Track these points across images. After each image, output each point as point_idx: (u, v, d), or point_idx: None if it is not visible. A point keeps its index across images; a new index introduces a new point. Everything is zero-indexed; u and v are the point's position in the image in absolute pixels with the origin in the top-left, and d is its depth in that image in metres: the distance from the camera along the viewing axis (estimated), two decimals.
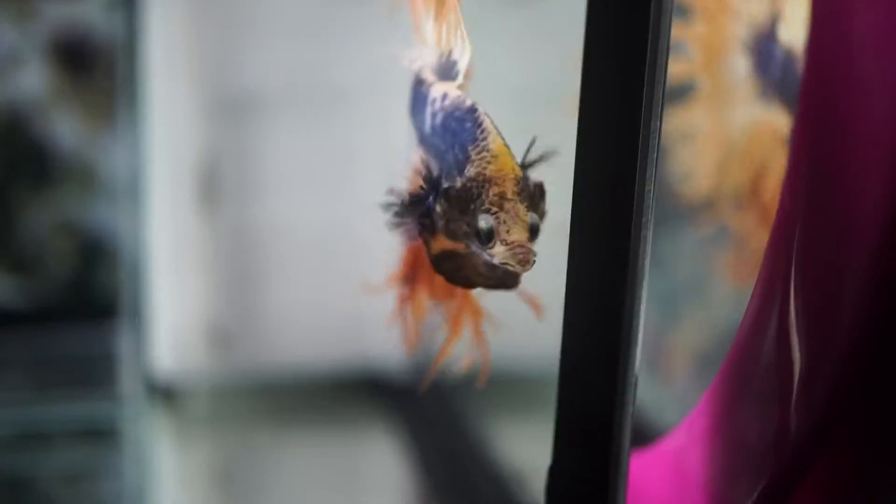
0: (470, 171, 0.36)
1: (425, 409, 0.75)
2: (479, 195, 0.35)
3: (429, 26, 0.37)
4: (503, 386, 0.74)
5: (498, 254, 0.34)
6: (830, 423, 0.35)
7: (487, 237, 0.35)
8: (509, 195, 0.35)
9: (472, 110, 0.36)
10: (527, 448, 0.67)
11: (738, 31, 0.50)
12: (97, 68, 0.79)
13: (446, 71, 0.38)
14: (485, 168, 0.35)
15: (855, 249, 0.33)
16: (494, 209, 0.35)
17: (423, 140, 0.38)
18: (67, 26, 0.78)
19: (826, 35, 0.32)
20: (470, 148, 0.36)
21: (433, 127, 0.37)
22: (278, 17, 0.71)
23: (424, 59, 0.38)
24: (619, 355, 0.36)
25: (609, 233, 0.35)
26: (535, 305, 0.39)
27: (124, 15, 0.72)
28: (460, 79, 0.37)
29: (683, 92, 0.52)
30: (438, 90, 0.37)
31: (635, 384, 0.37)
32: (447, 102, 0.37)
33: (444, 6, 0.37)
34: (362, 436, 0.75)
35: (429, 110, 0.37)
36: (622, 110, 0.34)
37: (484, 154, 0.36)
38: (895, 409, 0.34)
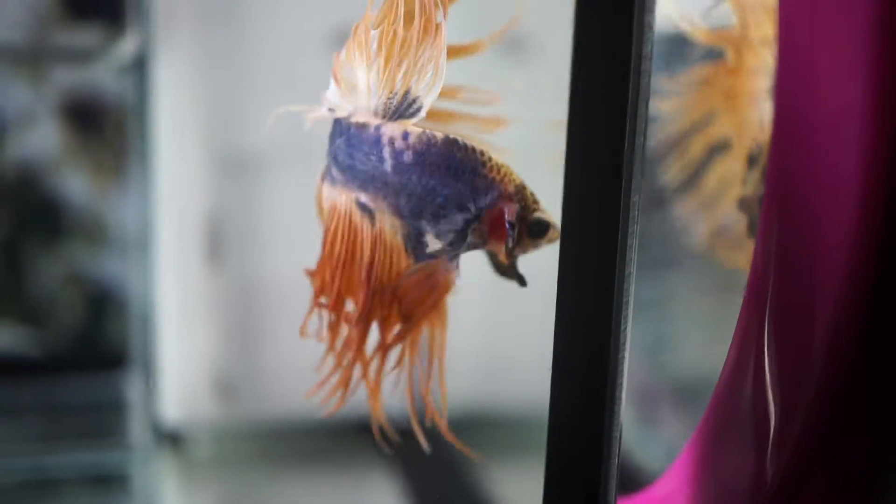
0: (500, 187, 0.39)
1: (423, 453, 0.77)
2: (525, 201, 0.40)
3: (363, 72, 0.40)
4: (498, 430, 0.76)
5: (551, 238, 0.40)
6: (806, 471, 0.36)
7: (545, 229, 0.40)
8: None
9: (453, 141, 0.39)
10: (521, 490, 0.68)
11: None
12: (107, 127, 0.82)
13: (400, 111, 0.39)
14: (512, 176, 0.39)
15: (823, 305, 0.35)
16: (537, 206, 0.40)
17: (376, 179, 0.40)
18: (79, 88, 0.81)
19: (790, 100, 0.34)
20: (483, 170, 0.39)
21: (397, 166, 0.40)
22: (281, 79, 0.73)
23: (357, 104, 0.40)
24: (605, 400, 0.38)
25: (595, 275, 0.37)
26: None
27: (134, 78, 0.74)
28: (422, 115, 0.39)
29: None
30: (393, 130, 0.39)
31: (621, 429, 0.39)
32: (412, 140, 0.39)
33: (399, 47, 0.39)
34: (362, 479, 0.76)
35: (386, 151, 0.40)
36: (606, 149, 0.37)
37: (502, 167, 0.39)
38: (867, 457, 0.36)
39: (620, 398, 0.39)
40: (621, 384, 0.39)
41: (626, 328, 0.38)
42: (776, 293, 0.37)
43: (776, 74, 0.35)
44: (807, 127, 0.34)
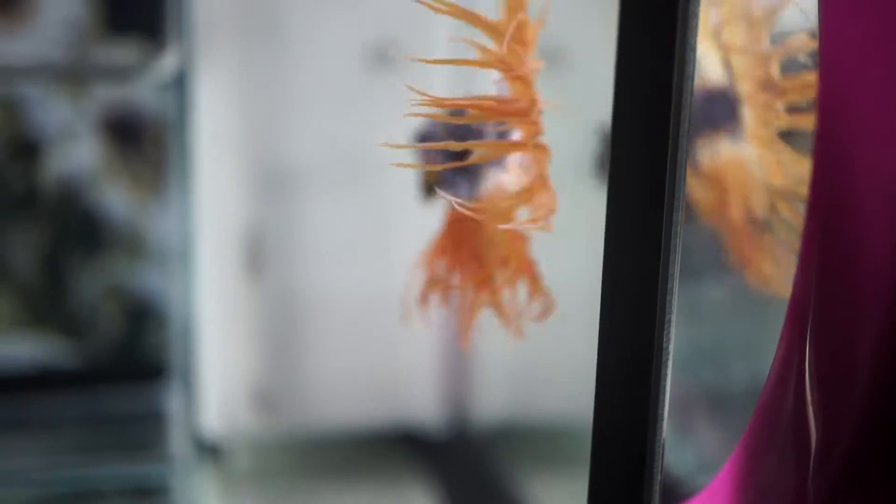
0: None
1: (461, 464, 0.77)
2: None
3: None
4: (539, 441, 0.76)
5: None
6: (846, 492, 0.36)
7: None
8: None
9: None
10: (560, 502, 0.68)
11: None
12: (147, 143, 0.83)
13: None
14: None
15: (863, 331, 0.35)
16: None
17: None
18: (120, 104, 0.82)
19: (832, 120, 0.34)
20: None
21: None
22: (317, 98, 0.74)
23: None
24: (648, 415, 0.38)
25: (638, 290, 0.38)
26: None
27: (175, 95, 0.75)
28: None
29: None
30: None
31: (664, 443, 0.39)
32: None
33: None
34: (400, 490, 0.76)
35: None
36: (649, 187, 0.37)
37: None
38: None
39: (664, 413, 0.39)
40: (664, 399, 0.39)
41: (669, 343, 0.39)
42: (818, 312, 0.37)
43: (819, 93, 0.35)
44: (849, 146, 0.34)
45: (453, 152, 0.43)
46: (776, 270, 0.49)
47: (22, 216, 0.82)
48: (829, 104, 0.36)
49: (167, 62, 0.74)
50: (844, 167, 0.35)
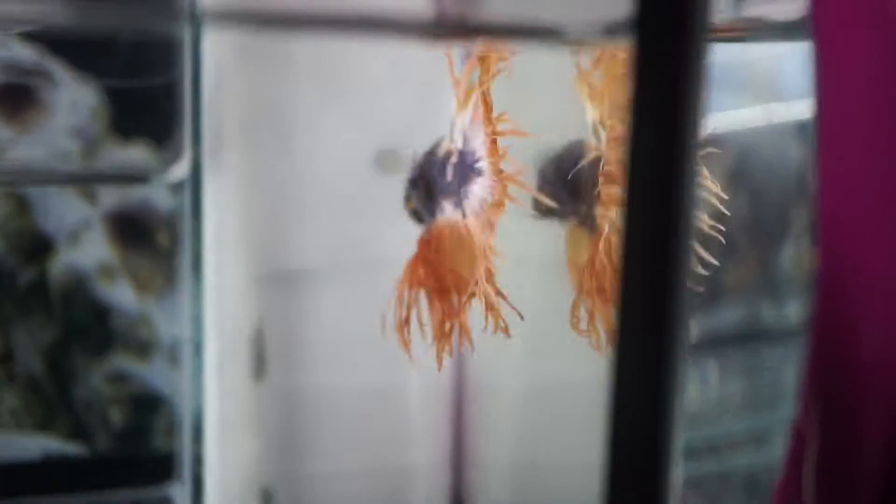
0: None
1: None
2: None
3: None
4: None
5: None
6: None
7: None
8: None
9: None
10: None
11: None
12: (157, 241, 0.84)
13: None
14: None
15: (864, 483, 0.36)
16: None
17: None
18: (130, 203, 0.83)
19: (833, 291, 0.35)
20: None
21: None
22: (324, 200, 0.76)
23: None
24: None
25: (646, 384, 0.38)
26: None
27: (184, 195, 0.77)
28: None
29: None
30: None
31: None
32: None
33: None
34: None
35: None
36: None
37: None
38: None
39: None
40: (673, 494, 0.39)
41: (677, 437, 0.39)
42: (818, 466, 0.37)
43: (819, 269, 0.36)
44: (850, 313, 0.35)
45: (435, 185, 0.47)
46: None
47: (31, 312, 0.83)
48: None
49: (178, 166, 0.76)
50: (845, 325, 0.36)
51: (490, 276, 0.48)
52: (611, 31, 0.37)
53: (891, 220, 0.34)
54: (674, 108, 0.33)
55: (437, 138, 0.50)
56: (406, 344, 0.49)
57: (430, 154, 0.50)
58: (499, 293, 0.47)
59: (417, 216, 0.51)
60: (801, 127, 0.74)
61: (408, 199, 0.51)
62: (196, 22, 0.71)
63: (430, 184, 0.49)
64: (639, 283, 0.37)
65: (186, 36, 0.74)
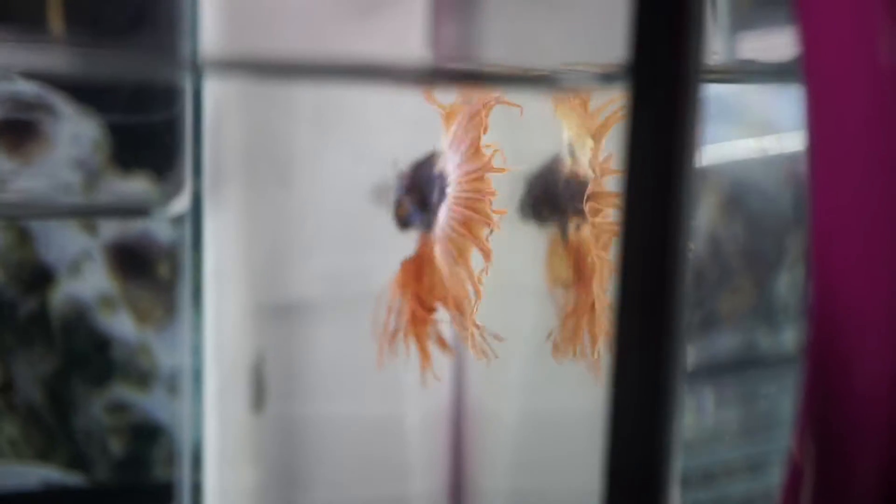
0: None
1: None
2: None
3: None
4: None
5: None
6: None
7: None
8: None
9: None
10: None
11: None
12: (157, 272, 0.84)
13: None
14: None
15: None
16: None
17: None
18: (131, 235, 0.83)
19: (826, 320, 0.36)
20: None
21: None
22: (323, 233, 0.76)
23: None
24: None
25: (642, 419, 0.38)
26: None
27: (185, 228, 0.77)
28: None
29: None
30: None
31: None
32: None
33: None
34: None
35: None
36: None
37: None
38: None
39: None
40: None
41: (674, 464, 0.39)
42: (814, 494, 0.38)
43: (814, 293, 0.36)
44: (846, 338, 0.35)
45: (420, 197, 0.48)
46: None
47: (32, 342, 0.83)
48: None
49: (179, 200, 0.76)
50: (840, 348, 0.36)
51: (462, 302, 0.47)
52: (606, 77, 0.38)
53: (883, 250, 0.35)
54: (668, 153, 0.33)
55: (429, 151, 0.50)
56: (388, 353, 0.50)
57: (423, 165, 0.50)
58: (474, 323, 0.47)
59: (404, 222, 0.51)
60: (794, 157, 0.74)
61: (399, 204, 0.52)
62: (197, 71, 0.71)
63: (423, 193, 0.50)
64: (636, 314, 0.37)
65: (188, 84, 0.74)
